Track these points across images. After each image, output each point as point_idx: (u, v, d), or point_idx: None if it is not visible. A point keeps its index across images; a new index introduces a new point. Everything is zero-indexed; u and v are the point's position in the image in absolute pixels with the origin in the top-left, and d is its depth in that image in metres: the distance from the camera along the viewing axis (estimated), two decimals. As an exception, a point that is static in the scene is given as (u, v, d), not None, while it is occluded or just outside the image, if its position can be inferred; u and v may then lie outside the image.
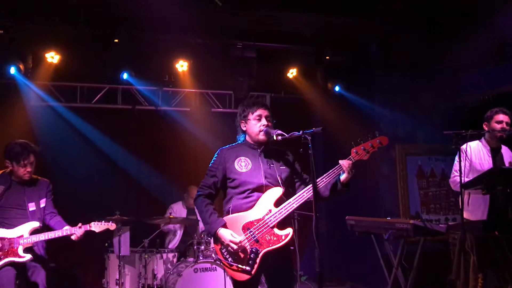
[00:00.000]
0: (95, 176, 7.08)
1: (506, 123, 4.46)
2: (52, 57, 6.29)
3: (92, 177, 7.02)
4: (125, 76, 6.55)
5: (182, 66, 6.84)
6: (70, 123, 7.03)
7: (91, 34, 6.29)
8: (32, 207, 4.33)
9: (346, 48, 7.03)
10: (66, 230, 4.33)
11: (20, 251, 4.17)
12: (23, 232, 4.22)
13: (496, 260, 4.32)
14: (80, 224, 4.38)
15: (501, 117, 4.48)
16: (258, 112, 3.44)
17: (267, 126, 3.41)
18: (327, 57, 7.12)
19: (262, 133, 3.40)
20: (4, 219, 4.24)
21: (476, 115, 4.79)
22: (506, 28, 5.96)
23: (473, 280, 4.51)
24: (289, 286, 3.41)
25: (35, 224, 4.30)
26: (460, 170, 4.03)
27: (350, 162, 3.28)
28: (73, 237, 4.34)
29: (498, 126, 4.45)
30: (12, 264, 4.14)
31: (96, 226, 4.49)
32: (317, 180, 3.26)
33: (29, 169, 4.32)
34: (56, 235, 4.29)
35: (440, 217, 7.05)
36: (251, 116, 3.45)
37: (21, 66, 6.03)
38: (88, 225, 4.44)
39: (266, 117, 3.44)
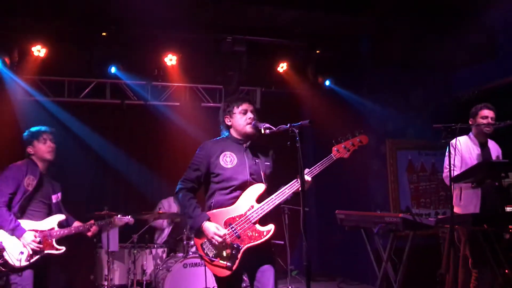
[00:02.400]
0: (83, 171, 7.01)
1: (491, 118, 4.48)
2: (39, 50, 6.20)
3: (80, 172, 6.94)
4: (113, 70, 6.50)
5: (171, 60, 6.78)
6: (58, 118, 6.91)
7: (79, 27, 6.20)
8: (55, 199, 4.34)
9: (337, 43, 7.01)
10: (82, 225, 4.41)
11: (55, 243, 4.18)
12: (53, 225, 4.22)
13: (486, 254, 4.33)
14: (92, 221, 4.47)
15: (486, 112, 4.50)
16: (244, 106, 3.42)
17: (254, 119, 3.39)
18: (317, 52, 7.10)
19: (250, 126, 3.37)
20: (31, 211, 4.17)
21: (466, 110, 4.79)
22: (496, 24, 5.97)
23: (463, 273, 4.53)
24: (271, 282, 3.34)
25: (62, 216, 4.32)
26: (450, 164, 4.03)
27: (309, 181, 3.27)
28: (88, 234, 4.45)
29: (484, 122, 4.47)
30: (43, 258, 4.11)
31: (118, 220, 4.72)
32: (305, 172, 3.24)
33: (51, 145, 4.28)
34: (78, 231, 4.36)
35: (430, 211, 7.09)
36: (236, 110, 3.42)
37: (7, 60, 5.95)
38: (111, 219, 4.68)
39: (251, 111, 3.43)
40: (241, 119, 3.40)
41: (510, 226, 4.70)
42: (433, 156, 7.14)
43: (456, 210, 4.34)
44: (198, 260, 5.47)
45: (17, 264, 3.99)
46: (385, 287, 4.72)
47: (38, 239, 4.07)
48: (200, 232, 3.27)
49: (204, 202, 3.44)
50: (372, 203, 6.86)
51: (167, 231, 6.61)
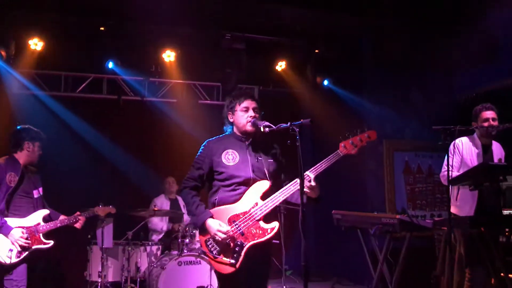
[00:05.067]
0: (78, 166, 6.95)
1: (492, 118, 4.45)
2: (36, 44, 6.16)
3: (75, 168, 6.88)
4: (110, 65, 6.47)
5: (169, 56, 6.74)
6: (54, 112, 6.89)
7: (77, 22, 6.16)
8: (36, 194, 4.39)
9: (336, 42, 7.00)
10: (68, 218, 4.50)
11: (43, 238, 4.27)
12: (38, 220, 4.31)
13: (482, 255, 4.32)
14: (78, 212, 4.58)
15: (487, 114, 4.48)
16: (245, 103, 3.40)
17: (254, 117, 3.36)
18: (316, 51, 7.07)
19: (249, 124, 3.35)
20: (14, 208, 4.23)
21: (466, 112, 4.78)
22: (497, 28, 5.97)
23: (458, 275, 4.52)
24: (264, 281, 3.34)
25: (46, 211, 4.39)
26: (448, 164, 4.01)
27: (310, 184, 3.20)
28: (77, 225, 4.55)
29: (485, 124, 4.45)
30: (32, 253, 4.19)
31: (100, 210, 4.81)
32: (305, 173, 3.21)
33: (40, 153, 4.44)
34: (64, 223, 4.45)
35: (426, 213, 7.08)
36: (238, 107, 3.41)
37: (3, 53, 5.92)
38: (94, 209, 4.74)
39: (253, 109, 3.40)
40: (242, 117, 3.38)
41: (506, 230, 4.71)
42: (430, 158, 7.13)
43: (452, 209, 4.31)
44: (192, 258, 5.44)
45: (7, 261, 4.03)
46: (380, 288, 4.70)
47: (25, 235, 4.15)
48: (204, 229, 3.26)
49: (207, 200, 3.42)
50: (368, 203, 6.85)
51: (163, 229, 6.58)
